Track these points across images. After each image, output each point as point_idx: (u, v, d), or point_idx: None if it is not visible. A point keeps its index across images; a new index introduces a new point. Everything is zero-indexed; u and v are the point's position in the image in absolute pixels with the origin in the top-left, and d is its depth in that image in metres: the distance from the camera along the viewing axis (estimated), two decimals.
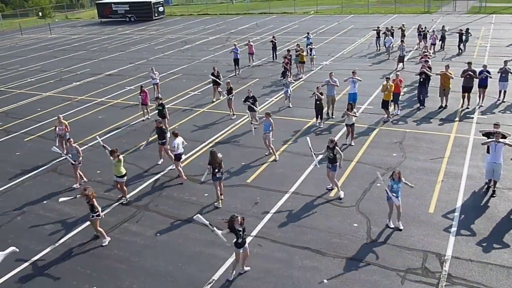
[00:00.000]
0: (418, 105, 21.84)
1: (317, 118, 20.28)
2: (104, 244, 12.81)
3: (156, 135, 17.27)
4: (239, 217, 10.56)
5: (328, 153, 13.97)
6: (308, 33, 34.03)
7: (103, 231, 12.93)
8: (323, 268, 11.26)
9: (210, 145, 19.02)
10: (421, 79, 21.39)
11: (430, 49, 30.63)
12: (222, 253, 12.02)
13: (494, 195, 13.96)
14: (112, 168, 14.80)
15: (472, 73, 20.69)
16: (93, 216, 12.61)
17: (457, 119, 20.08)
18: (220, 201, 14.39)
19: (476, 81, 21.04)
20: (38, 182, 16.89)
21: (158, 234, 13.13)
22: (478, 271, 10.83)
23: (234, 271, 11.21)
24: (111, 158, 14.63)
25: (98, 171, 17.27)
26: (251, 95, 20.00)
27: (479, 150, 16.86)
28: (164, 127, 17.74)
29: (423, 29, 33.76)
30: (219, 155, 13.99)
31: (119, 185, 14.88)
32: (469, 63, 21.42)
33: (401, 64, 28.79)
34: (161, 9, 67.05)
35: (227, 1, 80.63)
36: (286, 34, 44.61)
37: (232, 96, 21.93)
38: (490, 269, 10.87)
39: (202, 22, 59.71)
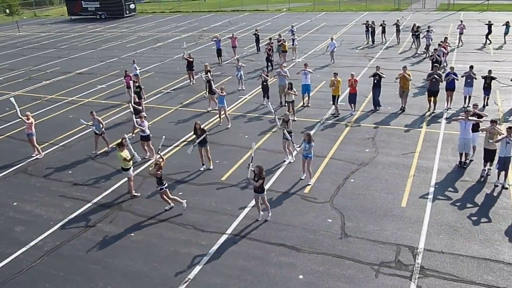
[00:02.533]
0: (374, 108, 21.34)
1: (264, 97, 22.90)
2: (166, 208, 13.95)
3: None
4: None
5: (284, 125, 16.06)
6: (292, 26, 36.36)
7: (176, 197, 13.95)
8: (298, 264, 11.34)
9: (184, 143, 18.93)
10: (375, 81, 20.85)
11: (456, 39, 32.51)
12: (198, 252, 11.99)
13: (465, 165, 15.66)
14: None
15: (437, 77, 20.08)
16: (162, 189, 13.47)
17: (425, 123, 20.39)
18: (210, 163, 16.47)
19: (443, 84, 20.55)
20: (8, 184, 16.51)
21: (133, 234, 13.00)
22: (449, 263, 11.07)
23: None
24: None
25: (69, 171, 16.99)
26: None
27: (449, 145, 17.27)
28: (141, 107, 20.01)
29: (417, 30, 32.16)
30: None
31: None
32: (435, 66, 21.25)
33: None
34: (132, 6, 66.18)
35: None
36: (259, 32, 44.59)
37: (206, 76, 22.94)
38: (461, 261, 11.13)
39: (174, 20, 59.23)
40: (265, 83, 22.52)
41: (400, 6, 56.85)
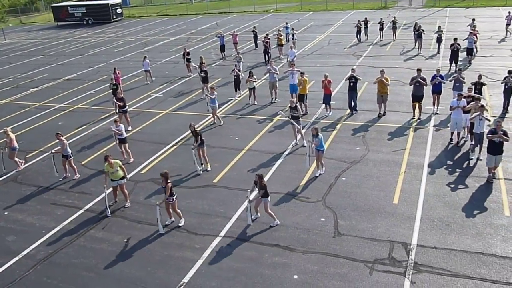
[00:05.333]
0: (350, 111, 20.95)
1: (235, 91, 24.46)
2: (180, 225, 13.39)
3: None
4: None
5: (292, 111, 17.48)
6: (286, 23, 38.51)
7: (180, 212, 13.52)
8: (293, 264, 11.35)
9: (175, 147, 18.88)
10: (351, 84, 20.25)
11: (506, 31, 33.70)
12: (192, 255, 11.97)
13: (459, 144, 16.89)
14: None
15: (421, 80, 19.07)
16: (173, 200, 13.14)
17: (411, 129, 20.23)
18: (208, 164, 16.57)
19: (428, 88, 19.71)
20: None
21: (126, 240, 12.95)
22: (442, 258, 11.14)
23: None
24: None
25: (60, 179, 16.88)
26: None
27: (439, 141, 17.39)
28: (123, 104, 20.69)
29: (418, 29, 31.39)
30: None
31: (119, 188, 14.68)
32: (418, 70, 19.58)
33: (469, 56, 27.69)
34: (119, 11, 65.94)
35: (186, 1, 79.99)
36: (247, 33, 44.63)
37: (198, 68, 25.29)
38: (454, 255, 11.20)
39: (161, 23, 59.10)
40: (236, 77, 24.19)
41: (387, 4, 57.15)
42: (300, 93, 20.99)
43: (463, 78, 19.73)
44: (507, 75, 19.11)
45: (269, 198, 12.90)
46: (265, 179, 15.55)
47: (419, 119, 19.75)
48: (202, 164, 16.72)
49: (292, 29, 36.18)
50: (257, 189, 12.80)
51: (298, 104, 17.86)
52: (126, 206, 14.67)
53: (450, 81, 20.16)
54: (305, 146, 17.30)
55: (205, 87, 24.36)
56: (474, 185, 14.26)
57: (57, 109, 25.68)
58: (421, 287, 10.29)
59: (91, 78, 32.26)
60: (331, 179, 15.26)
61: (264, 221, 13.17)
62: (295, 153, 17.27)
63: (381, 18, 37.05)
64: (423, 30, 31.00)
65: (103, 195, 14.36)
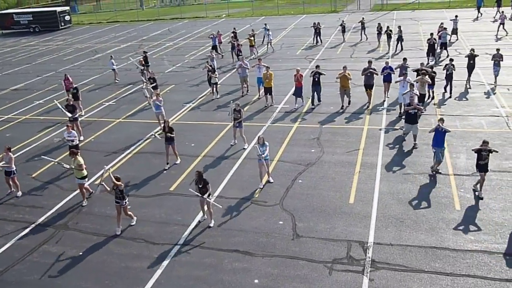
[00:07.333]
0: (311, 104, 22.30)
1: (210, 86, 25.22)
2: (132, 224, 13.62)
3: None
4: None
5: (235, 114, 17.77)
6: (265, 24, 38.50)
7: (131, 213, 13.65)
8: (253, 269, 11.34)
9: (129, 156, 18.54)
10: (316, 79, 21.70)
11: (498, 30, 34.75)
12: (150, 265, 11.76)
13: (401, 115, 19.39)
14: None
15: (372, 71, 21.26)
16: (125, 203, 13.15)
17: (367, 113, 20.98)
18: (178, 157, 17.43)
19: (379, 78, 21.88)
20: None
21: (81, 253, 12.57)
22: (399, 254, 11.43)
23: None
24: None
25: (9, 191, 16.22)
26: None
27: (391, 140, 17.86)
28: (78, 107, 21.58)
29: (382, 29, 33.35)
30: None
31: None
32: (369, 62, 21.86)
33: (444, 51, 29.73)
34: (67, 18, 64.16)
35: (136, 7, 78.86)
36: (200, 39, 44.49)
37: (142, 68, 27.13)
38: (410, 251, 11.51)
39: (112, 30, 57.98)
40: (209, 73, 24.67)
41: (337, 8, 58.27)
42: (266, 86, 22.59)
43: (408, 66, 21.84)
44: (448, 62, 21.91)
45: (210, 197, 13.13)
46: (222, 184, 15.54)
47: (368, 103, 21.92)
48: (168, 163, 17.17)
49: (268, 29, 37.11)
50: (199, 186, 12.87)
51: (241, 108, 18.14)
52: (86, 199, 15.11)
53: (396, 69, 21.98)
54: (245, 148, 18.05)
55: (153, 94, 23.80)
56: (425, 182, 14.71)
57: (4, 120, 24.70)
58: (379, 284, 10.51)
59: (39, 88, 31.20)
60: (287, 182, 15.37)
61: (222, 227, 13.12)
62: (251, 157, 17.27)
63: (343, 21, 38.10)
64: (391, 31, 32.56)
65: (58, 206, 13.92)
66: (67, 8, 66.33)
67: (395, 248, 11.67)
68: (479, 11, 43.21)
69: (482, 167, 13.46)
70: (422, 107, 17.47)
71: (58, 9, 62.66)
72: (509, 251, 11.27)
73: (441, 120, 14.78)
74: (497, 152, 13.80)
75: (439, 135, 14.63)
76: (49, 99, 27.76)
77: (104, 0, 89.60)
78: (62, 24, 62.88)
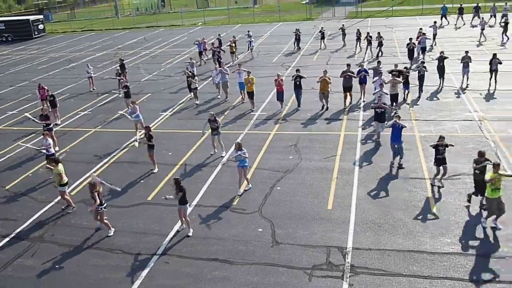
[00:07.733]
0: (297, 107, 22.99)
1: (189, 92, 25.53)
2: (110, 235, 13.35)
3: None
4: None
5: (212, 124, 17.76)
6: (248, 31, 39.01)
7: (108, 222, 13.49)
8: (232, 277, 11.29)
9: (106, 165, 18.32)
10: (297, 82, 22.34)
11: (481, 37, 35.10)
12: (129, 276, 11.61)
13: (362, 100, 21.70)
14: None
15: (351, 74, 22.08)
16: (101, 209, 13.11)
17: (344, 117, 21.23)
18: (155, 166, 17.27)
19: (356, 80, 22.51)
20: None
21: (57, 266, 12.33)
22: (377, 258, 11.52)
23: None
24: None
25: None
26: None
27: (368, 146, 18.03)
28: (54, 116, 22.52)
29: (359, 34, 34.42)
30: None
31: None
32: (348, 65, 22.62)
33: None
34: (41, 26, 63.25)
35: (112, 15, 78.26)
36: (176, 47, 44.35)
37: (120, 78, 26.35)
38: (388, 255, 11.62)
39: (87, 39, 57.38)
40: (189, 79, 24.84)
41: (312, 16, 58.81)
42: (248, 91, 23.16)
43: (381, 68, 22.85)
44: (420, 64, 22.95)
45: (187, 205, 13.21)
46: (201, 192, 15.47)
47: (350, 103, 22.80)
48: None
49: (250, 36, 37.84)
50: (175, 193, 12.81)
51: (216, 117, 17.99)
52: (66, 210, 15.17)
53: (370, 69, 23.28)
54: (223, 156, 18.08)
55: (127, 103, 24.06)
56: (402, 186, 14.89)
57: None
58: None
59: (12, 98, 30.64)
60: (266, 189, 15.38)
61: (201, 236, 13.04)
62: (229, 165, 17.24)
63: (322, 28, 38.51)
64: (371, 37, 33.02)
65: (33, 218, 13.65)
66: (41, 16, 65.39)
67: (373, 253, 11.76)
68: (446, 19, 44.10)
69: (440, 161, 14.35)
70: (387, 106, 18.24)
71: (32, 17, 61.81)
72: (485, 252, 11.47)
73: (398, 116, 15.87)
74: (452, 146, 14.65)
75: (397, 131, 15.65)
76: (22, 109, 27.28)
77: (79, 8, 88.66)
78: (36, 33, 61.98)
